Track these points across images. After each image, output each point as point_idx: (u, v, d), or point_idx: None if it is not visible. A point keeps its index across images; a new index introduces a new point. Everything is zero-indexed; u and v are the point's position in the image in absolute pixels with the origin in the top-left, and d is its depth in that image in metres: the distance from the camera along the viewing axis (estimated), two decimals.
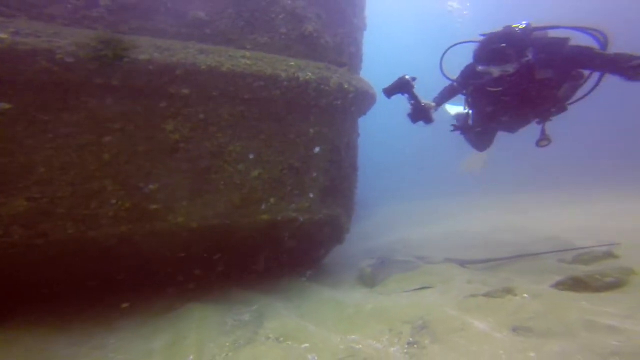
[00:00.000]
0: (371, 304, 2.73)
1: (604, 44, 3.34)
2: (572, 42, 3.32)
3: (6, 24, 2.13)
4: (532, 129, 3.99)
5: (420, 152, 20.08)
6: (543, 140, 3.85)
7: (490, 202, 9.50)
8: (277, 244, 3.44)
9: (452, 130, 4.32)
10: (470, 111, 4.18)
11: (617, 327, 1.93)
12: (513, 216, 7.18)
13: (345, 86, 3.24)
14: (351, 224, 4.13)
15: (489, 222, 6.72)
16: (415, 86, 3.52)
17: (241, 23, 2.84)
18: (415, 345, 2.05)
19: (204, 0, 2.68)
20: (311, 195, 3.27)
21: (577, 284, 2.59)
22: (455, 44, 3.80)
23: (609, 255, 3.44)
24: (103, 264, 2.81)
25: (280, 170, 3.04)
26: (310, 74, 2.99)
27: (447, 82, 4.03)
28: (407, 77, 3.49)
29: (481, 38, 3.46)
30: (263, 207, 3.00)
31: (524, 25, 3.38)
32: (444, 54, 3.89)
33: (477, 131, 4.21)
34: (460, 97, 4.12)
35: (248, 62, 2.74)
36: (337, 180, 3.54)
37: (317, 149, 3.24)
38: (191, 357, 2.15)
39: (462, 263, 3.92)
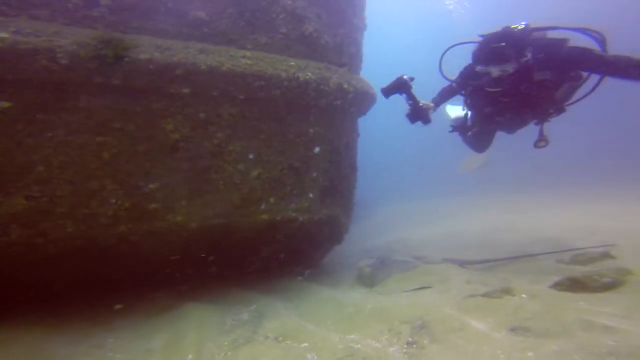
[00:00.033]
0: (370, 304, 2.74)
1: (603, 45, 3.34)
2: (571, 43, 3.33)
3: (7, 24, 2.13)
4: (531, 130, 4.00)
5: (420, 152, 20.05)
6: (541, 141, 3.86)
7: (490, 202, 9.48)
8: (277, 244, 3.45)
9: (450, 131, 4.33)
10: (469, 112, 4.20)
11: (614, 327, 1.94)
12: (513, 216, 7.17)
13: (345, 86, 3.24)
14: (350, 224, 4.14)
15: (488, 222, 6.71)
16: (413, 86, 3.53)
17: (242, 23, 2.84)
18: (414, 345, 2.06)
19: (205, 0, 2.69)
20: (311, 195, 3.28)
21: (575, 285, 2.61)
22: (455, 45, 3.81)
23: (607, 256, 3.46)
24: (102, 264, 2.82)
25: (280, 171, 3.05)
26: (310, 74, 2.99)
27: (446, 83, 4.04)
28: (405, 77, 3.50)
29: (480, 39, 3.47)
30: (263, 207, 3.01)
31: (523, 26, 3.38)
32: (443, 54, 3.90)
33: (476, 131, 4.22)
34: (460, 98, 4.13)
35: (248, 62, 2.74)
36: (337, 181, 3.55)
37: (316, 149, 3.24)
38: (190, 356, 2.15)
39: (462, 263, 3.93)
